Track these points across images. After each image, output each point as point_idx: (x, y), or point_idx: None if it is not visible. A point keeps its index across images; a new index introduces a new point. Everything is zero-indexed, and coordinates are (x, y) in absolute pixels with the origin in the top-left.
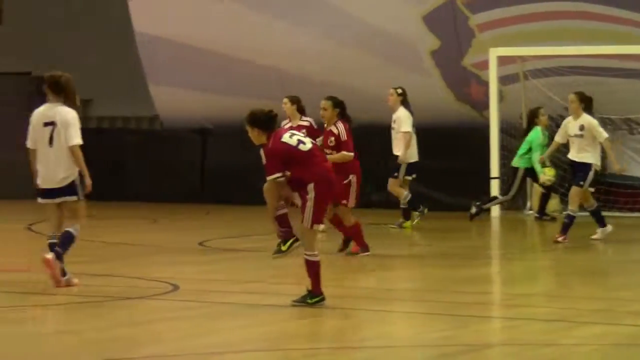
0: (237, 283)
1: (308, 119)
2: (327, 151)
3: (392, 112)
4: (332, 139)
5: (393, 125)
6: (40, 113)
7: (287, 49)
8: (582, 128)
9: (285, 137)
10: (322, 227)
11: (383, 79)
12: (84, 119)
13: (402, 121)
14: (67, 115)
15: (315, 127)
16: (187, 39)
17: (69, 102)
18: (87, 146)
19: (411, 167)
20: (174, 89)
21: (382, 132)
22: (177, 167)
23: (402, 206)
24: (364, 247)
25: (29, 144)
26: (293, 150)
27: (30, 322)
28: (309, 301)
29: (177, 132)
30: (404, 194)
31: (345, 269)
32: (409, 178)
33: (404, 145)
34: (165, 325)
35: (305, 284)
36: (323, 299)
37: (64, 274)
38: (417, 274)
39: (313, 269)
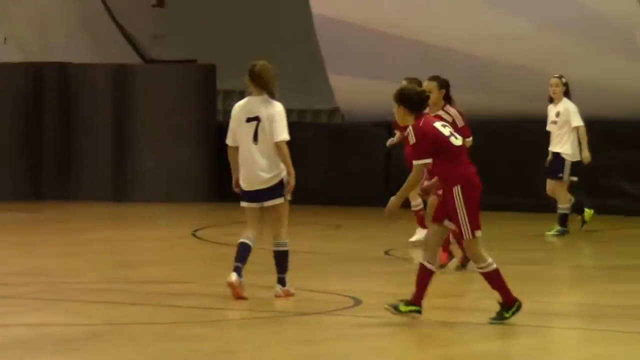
0: (428, 297)
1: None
2: None
3: (548, 104)
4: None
5: (555, 118)
6: (242, 107)
7: (485, 35)
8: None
9: (438, 125)
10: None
11: (599, 68)
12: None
13: (573, 114)
14: (273, 109)
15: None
16: (371, 22)
17: (266, 93)
18: None
19: (575, 167)
20: (356, 78)
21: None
22: (359, 166)
23: (561, 212)
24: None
25: (229, 140)
26: (445, 140)
27: (197, 340)
28: (506, 315)
29: (360, 126)
30: (568, 198)
31: (536, 280)
32: (575, 179)
33: (584, 141)
34: (344, 345)
35: (496, 297)
36: (519, 306)
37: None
38: (623, 288)
39: (494, 280)
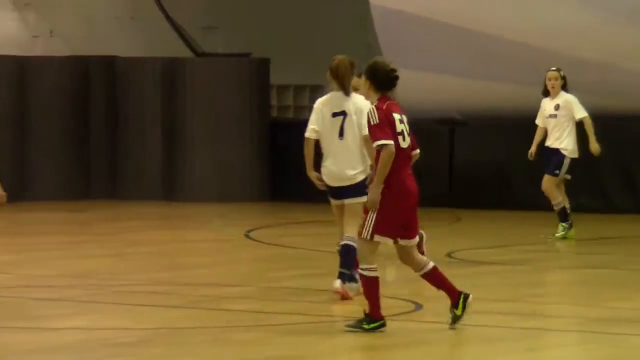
0: (489, 302)
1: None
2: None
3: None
4: None
5: (554, 112)
6: (326, 102)
7: (550, 27)
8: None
9: (396, 117)
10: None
11: None
12: (311, 108)
13: (576, 106)
14: (362, 104)
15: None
16: (433, 13)
17: (340, 88)
18: None
19: (572, 165)
20: (416, 72)
21: None
22: (421, 164)
23: (558, 207)
24: None
25: (311, 134)
26: (394, 135)
27: (249, 345)
28: (365, 326)
29: (421, 123)
30: (559, 199)
31: (602, 285)
32: (568, 177)
33: (590, 132)
34: (404, 352)
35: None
36: (383, 324)
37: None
38: None
39: (368, 288)
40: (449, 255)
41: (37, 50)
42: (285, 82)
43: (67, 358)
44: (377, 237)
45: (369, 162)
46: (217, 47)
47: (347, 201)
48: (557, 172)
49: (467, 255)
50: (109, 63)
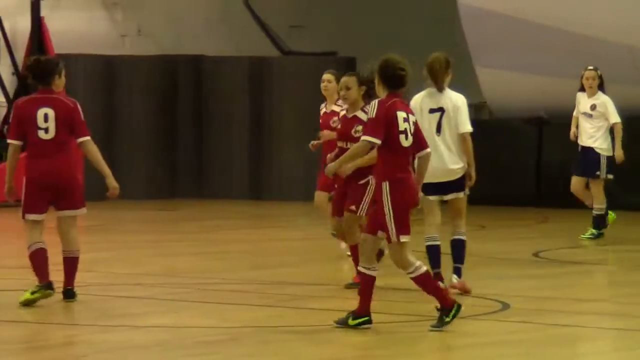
0: (577, 302)
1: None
2: (346, 145)
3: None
4: (360, 128)
5: (591, 111)
6: (423, 98)
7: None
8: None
9: (400, 114)
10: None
11: None
12: None
13: (611, 109)
14: (458, 101)
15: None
16: (521, 12)
17: (434, 84)
18: None
19: (611, 164)
20: (505, 71)
21: None
22: (508, 164)
23: (597, 212)
24: None
25: None
26: (395, 133)
27: (335, 345)
28: (447, 319)
29: (509, 122)
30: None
31: None
32: (611, 177)
33: (618, 138)
34: (490, 352)
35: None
36: (459, 307)
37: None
38: None
39: (425, 284)
40: (535, 255)
41: (125, 49)
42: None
43: (154, 356)
44: (403, 238)
45: (465, 158)
46: (304, 46)
47: (450, 196)
48: (598, 173)
49: (554, 255)
50: (197, 62)
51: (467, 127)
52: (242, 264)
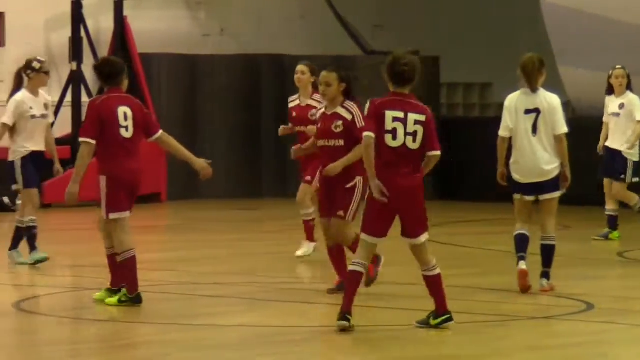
0: None
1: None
2: (327, 142)
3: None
4: (340, 123)
5: (618, 110)
6: (518, 99)
7: None
8: (621, 106)
9: (389, 113)
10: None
11: None
12: (481, 106)
13: (637, 107)
14: (553, 101)
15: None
16: (607, 11)
17: (527, 85)
18: (486, 137)
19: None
20: (588, 71)
21: None
22: (591, 164)
23: (609, 214)
24: (376, 261)
25: (505, 132)
26: (382, 132)
27: (420, 344)
28: (432, 322)
29: (595, 121)
30: (636, 199)
31: None
32: (637, 180)
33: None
34: (573, 353)
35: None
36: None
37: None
38: None
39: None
40: (620, 255)
41: (208, 48)
42: (455, 80)
43: (236, 355)
44: (364, 236)
45: (559, 159)
46: (387, 45)
47: (544, 196)
48: (623, 177)
49: (639, 255)
50: (279, 61)
51: (564, 129)
52: (325, 263)
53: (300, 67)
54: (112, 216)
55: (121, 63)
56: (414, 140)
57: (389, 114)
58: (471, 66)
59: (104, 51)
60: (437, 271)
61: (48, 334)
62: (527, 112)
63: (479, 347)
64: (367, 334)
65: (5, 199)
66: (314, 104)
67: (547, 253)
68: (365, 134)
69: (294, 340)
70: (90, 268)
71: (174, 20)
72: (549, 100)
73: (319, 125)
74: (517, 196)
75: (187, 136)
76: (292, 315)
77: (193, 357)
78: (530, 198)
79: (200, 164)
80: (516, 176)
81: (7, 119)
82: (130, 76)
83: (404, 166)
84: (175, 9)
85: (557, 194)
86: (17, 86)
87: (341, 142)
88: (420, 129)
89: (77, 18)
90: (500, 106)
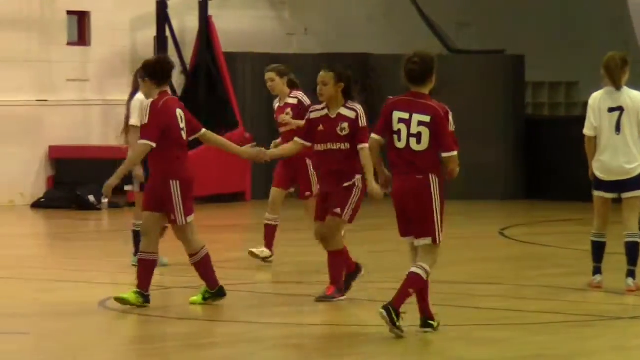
0: None
1: (298, 94)
2: (331, 146)
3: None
4: (346, 125)
5: None
6: (602, 97)
7: None
8: None
9: (397, 115)
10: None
11: None
12: (567, 105)
13: None
14: (637, 99)
15: (307, 103)
16: None
17: (612, 84)
18: (572, 136)
19: None
20: None
21: None
22: None
23: None
24: (340, 288)
25: (590, 131)
26: (390, 132)
27: (497, 344)
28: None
29: None
30: None
31: None
32: None
33: None
34: None
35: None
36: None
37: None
38: None
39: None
40: None
41: (292, 47)
42: (540, 79)
43: (313, 354)
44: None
45: None
46: (471, 44)
47: (626, 194)
48: None
49: None
50: (363, 60)
51: None
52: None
53: (267, 76)
54: (190, 219)
55: (171, 64)
56: (418, 142)
57: (396, 115)
58: (557, 65)
59: (188, 50)
60: (425, 277)
61: (133, 333)
62: (611, 110)
63: (564, 347)
64: (447, 334)
65: (91, 197)
66: (290, 101)
67: (632, 251)
68: (371, 136)
69: (371, 340)
70: (175, 267)
71: (258, 19)
72: (633, 98)
73: (322, 129)
74: (597, 193)
75: (272, 135)
76: (370, 314)
77: (278, 356)
78: (611, 195)
79: (249, 153)
80: (598, 173)
81: (135, 120)
82: (215, 75)
83: (407, 168)
84: (259, 8)
85: (638, 192)
86: (135, 89)
87: (347, 146)
88: (425, 131)
89: (162, 17)
90: (586, 105)
